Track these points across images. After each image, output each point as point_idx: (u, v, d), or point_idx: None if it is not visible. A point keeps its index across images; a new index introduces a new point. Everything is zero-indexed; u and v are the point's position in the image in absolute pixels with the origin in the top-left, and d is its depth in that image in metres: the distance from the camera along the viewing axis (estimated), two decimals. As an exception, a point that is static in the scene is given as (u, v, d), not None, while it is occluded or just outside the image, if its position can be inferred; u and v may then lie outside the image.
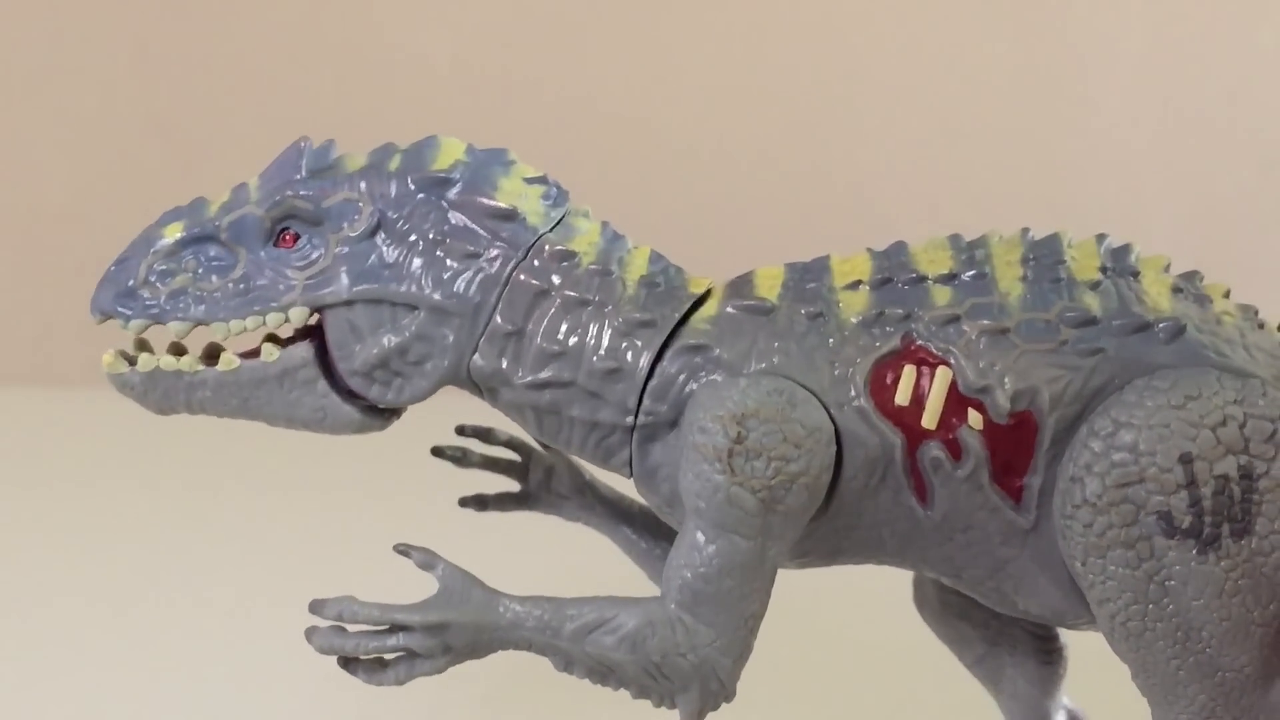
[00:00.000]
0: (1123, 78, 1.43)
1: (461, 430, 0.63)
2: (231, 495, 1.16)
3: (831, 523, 0.53)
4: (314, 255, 0.53)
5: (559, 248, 0.53)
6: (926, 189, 1.42)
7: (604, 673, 0.51)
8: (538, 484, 0.63)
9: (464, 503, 0.63)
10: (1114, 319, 0.51)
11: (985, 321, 0.51)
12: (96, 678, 0.81)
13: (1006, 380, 0.51)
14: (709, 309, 0.53)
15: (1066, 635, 0.61)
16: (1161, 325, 0.51)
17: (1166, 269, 0.55)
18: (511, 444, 0.63)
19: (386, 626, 0.50)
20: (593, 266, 0.53)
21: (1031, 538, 0.52)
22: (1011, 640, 0.61)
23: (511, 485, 0.63)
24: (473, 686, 0.77)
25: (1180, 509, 0.49)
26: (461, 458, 0.62)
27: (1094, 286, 0.52)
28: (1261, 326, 0.54)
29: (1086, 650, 0.59)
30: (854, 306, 0.52)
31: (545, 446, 0.62)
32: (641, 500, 0.57)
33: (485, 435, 0.63)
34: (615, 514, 0.62)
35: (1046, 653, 0.61)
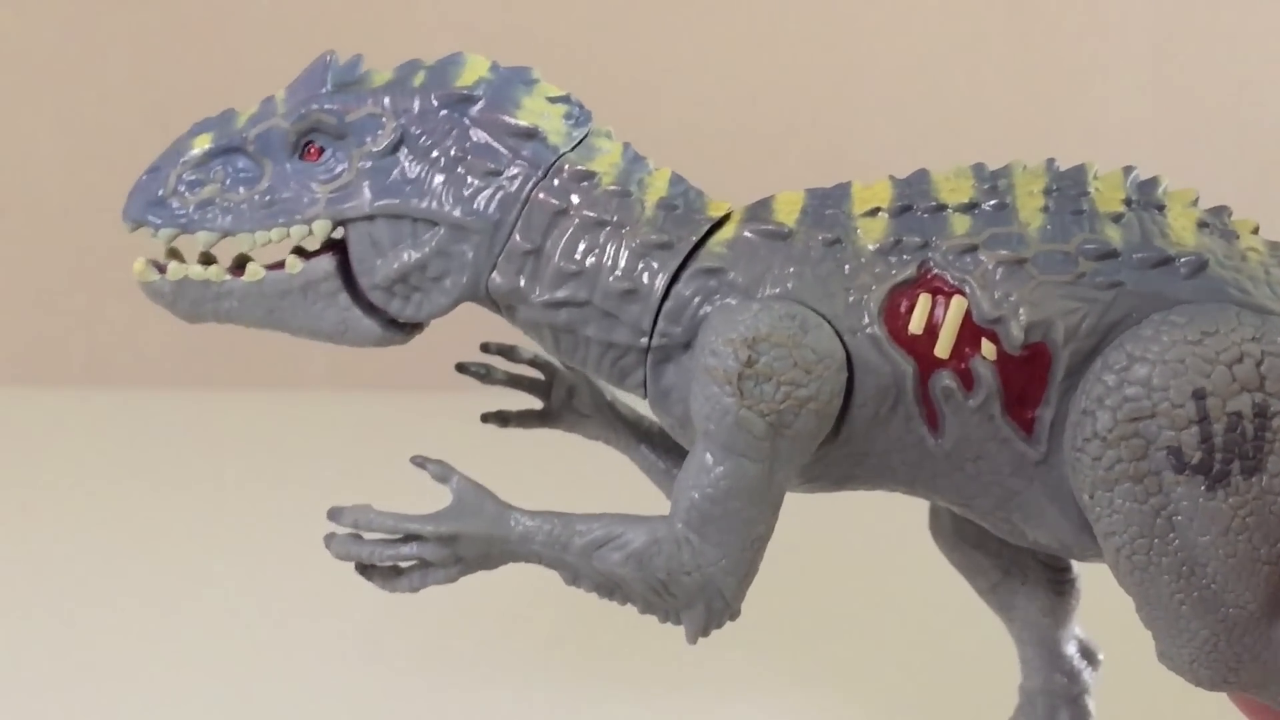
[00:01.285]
0: (1123, 76, 1.41)
1: (486, 347, 0.64)
2: (231, 496, 1.15)
3: (842, 449, 0.53)
4: (338, 169, 0.53)
5: (579, 168, 0.54)
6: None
7: (610, 588, 0.52)
8: (560, 402, 0.64)
9: (486, 418, 0.64)
10: (1134, 252, 0.51)
11: (1003, 252, 0.51)
12: (96, 678, 0.82)
13: (1021, 311, 0.50)
14: (726, 232, 0.53)
15: (1079, 567, 0.62)
16: (1183, 260, 0.51)
17: (1195, 203, 0.54)
18: (535, 362, 0.64)
19: (401, 536, 0.52)
20: (612, 187, 0.54)
21: (1042, 470, 0.52)
22: (1024, 570, 0.61)
23: (534, 402, 0.64)
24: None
25: (1191, 445, 0.49)
26: (486, 374, 0.63)
27: (1116, 219, 0.52)
28: None
29: (1100, 583, 0.60)
30: (872, 233, 0.52)
31: (567, 366, 0.63)
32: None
33: (509, 353, 0.64)
34: (635, 433, 0.63)
35: (1059, 584, 0.62)
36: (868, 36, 1.44)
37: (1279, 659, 0.51)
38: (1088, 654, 0.64)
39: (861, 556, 0.90)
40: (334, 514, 0.52)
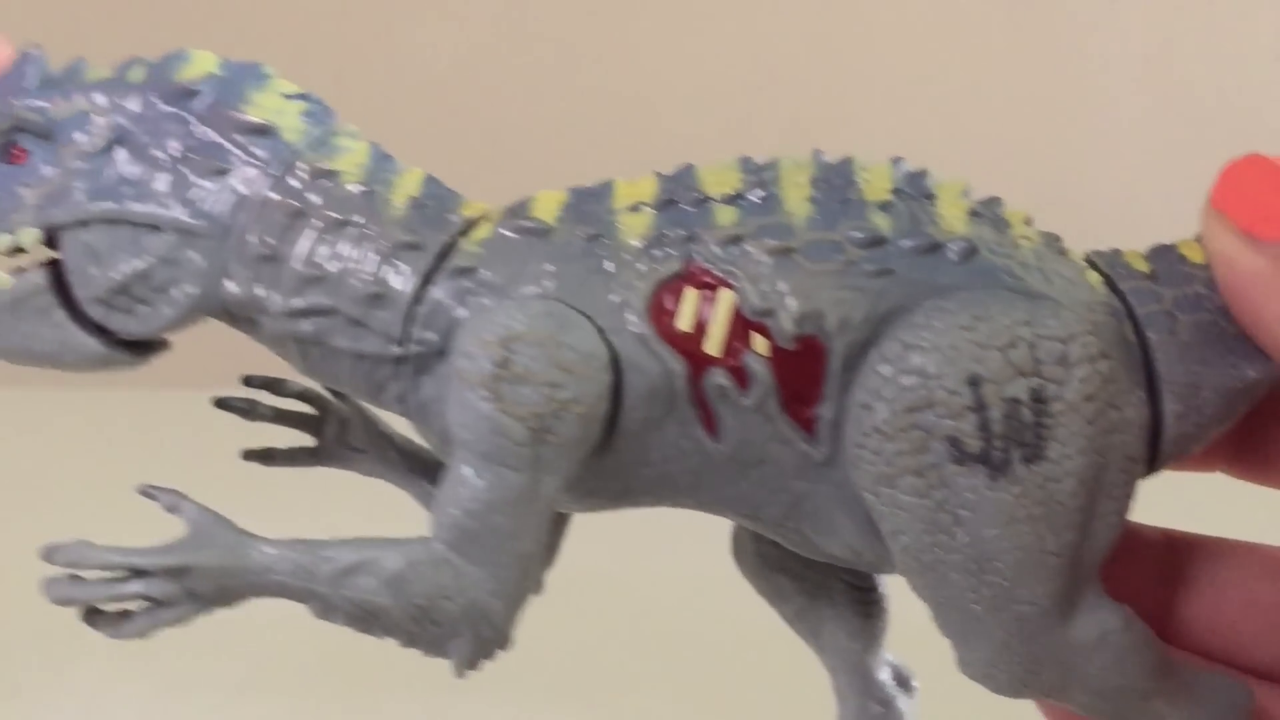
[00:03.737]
0: (1123, 73, 1.43)
1: (249, 381, 0.59)
2: (230, 496, 1.12)
3: (616, 458, 0.50)
4: (46, 172, 0.49)
5: (319, 165, 0.50)
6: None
7: (366, 619, 0.47)
8: (332, 437, 0.59)
9: (249, 456, 0.59)
10: (903, 239, 0.49)
11: (770, 241, 0.49)
12: (94, 678, 0.78)
13: (791, 302, 0.48)
14: (482, 231, 0.50)
15: (886, 587, 0.59)
16: (953, 246, 0.49)
17: (965, 194, 0.52)
18: (304, 395, 0.59)
19: (124, 573, 0.47)
20: (356, 186, 0.50)
21: (826, 471, 0.49)
22: (830, 593, 0.59)
23: (305, 439, 0.60)
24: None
25: (968, 432, 0.47)
26: (249, 410, 0.59)
27: (884, 207, 0.50)
28: (1063, 254, 0.52)
29: (910, 605, 0.57)
30: (635, 228, 0.50)
31: (338, 396, 0.59)
32: None
33: (274, 386, 0.59)
34: (412, 467, 0.59)
35: (865, 604, 0.59)
36: (867, 35, 1.43)
37: (1077, 661, 0.48)
38: (901, 680, 0.61)
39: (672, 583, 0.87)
40: (48, 553, 0.47)
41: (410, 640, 0.48)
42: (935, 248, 0.49)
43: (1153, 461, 0.51)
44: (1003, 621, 0.48)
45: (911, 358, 0.47)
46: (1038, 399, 0.47)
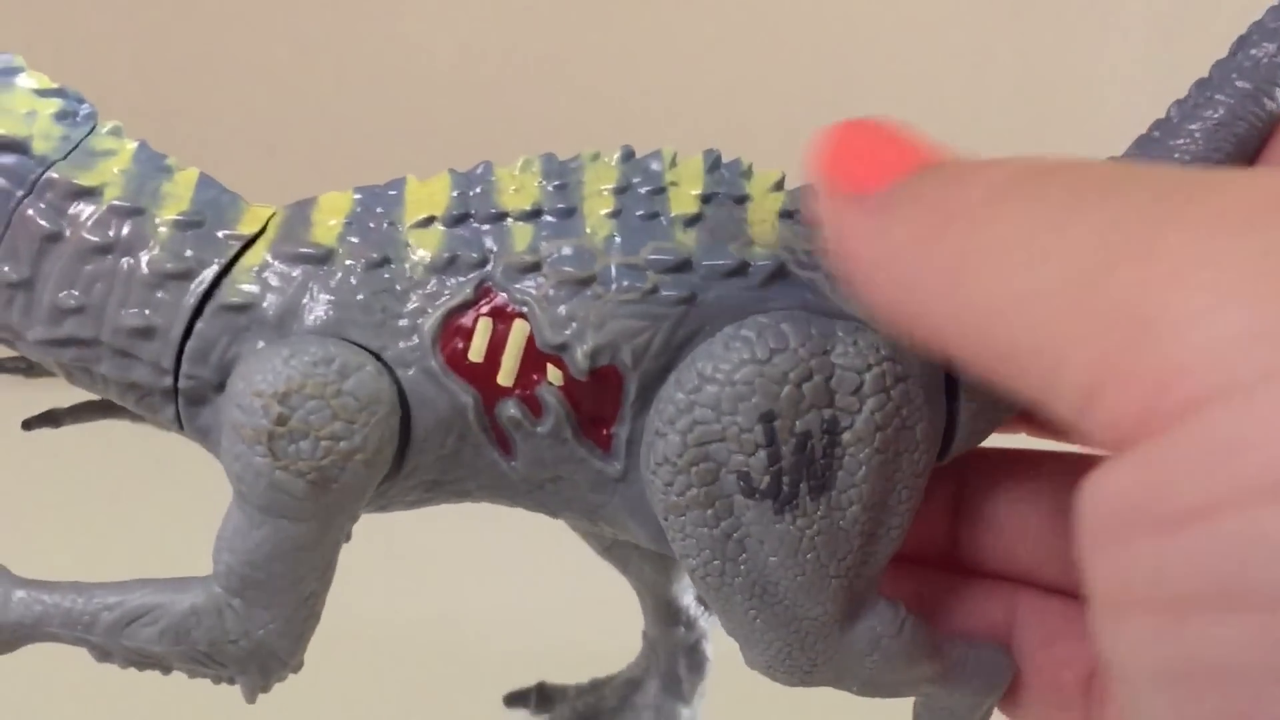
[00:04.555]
0: (1124, 71, 1.37)
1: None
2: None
3: (409, 481, 0.49)
4: None
5: (74, 181, 0.45)
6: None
7: (147, 663, 0.47)
8: None
9: (29, 425, 0.56)
10: (707, 260, 0.47)
11: (567, 269, 0.46)
12: (94, 678, 0.74)
13: (587, 336, 0.46)
14: (256, 254, 0.47)
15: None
16: (757, 266, 0.48)
17: (780, 184, 0.50)
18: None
19: None
20: (118, 203, 0.46)
21: (621, 486, 0.49)
22: None
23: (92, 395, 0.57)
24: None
25: (759, 469, 0.47)
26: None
27: (691, 222, 0.48)
28: None
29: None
30: (424, 249, 0.47)
31: None
32: None
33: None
34: None
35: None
36: (864, 44, 1.35)
37: (852, 662, 0.51)
38: (704, 602, 0.63)
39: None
40: None
41: (195, 674, 0.48)
42: (740, 270, 0.48)
43: (943, 454, 0.53)
44: (782, 635, 0.50)
45: (707, 390, 0.47)
46: (830, 430, 0.47)
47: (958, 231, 0.37)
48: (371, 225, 0.47)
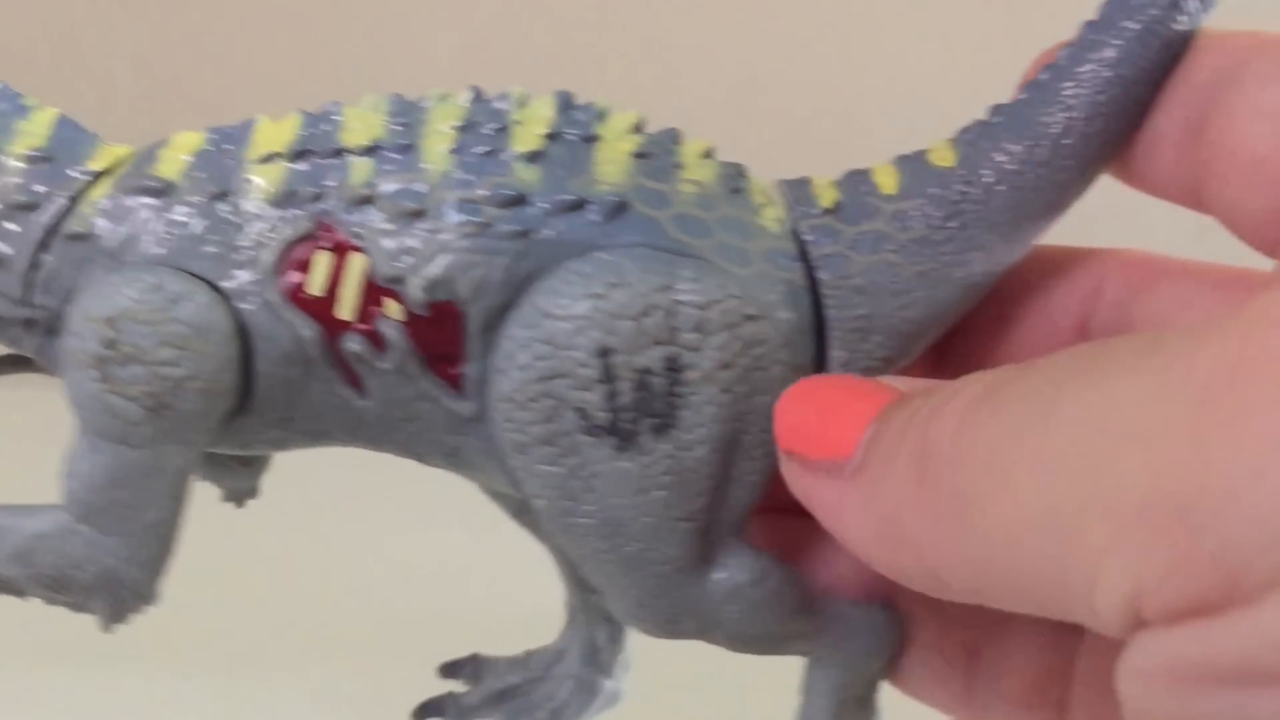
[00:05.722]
0: None
1: None
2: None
3: (261, 417, 0.49)
4: None
5: None
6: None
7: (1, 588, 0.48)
8: None
9: None
10: (546, 196, 0.47)
11: (402, 203, 0.47)
12: (94, 681, 0.79)
13: (421, 269, 0.46)
14: (101, 188, 0.48)
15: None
16: (599, 202, 0.47)
17: (637, 129, 0.50)
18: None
19: None
20: None
21: (476, 426, 0.49)
22: None
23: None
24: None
25: (596, 405, 0.46)
26: None
27: (533, 158, 0.48)
28: (739, 191, 0.50)
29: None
30: (265, 183, 0.48)
31: None
32: None
33: None
34: None
35: None
36: (864, 45, 1.37)
37: (711, 611, 0.50)
38: None
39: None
40: None
41: (49, 602, 0.49)
42: (579, 205, 0.47)
43: None
44: (637, 580, 0.49)
45: (545, 325, 0.46)
46: (672, 367, 0.47)
47: (938, 473, 0.35)
48: (216, 161, 0.48)
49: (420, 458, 0.51)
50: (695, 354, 0.46)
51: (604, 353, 0.46)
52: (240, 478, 0.59)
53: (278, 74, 1.39)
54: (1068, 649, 0.52)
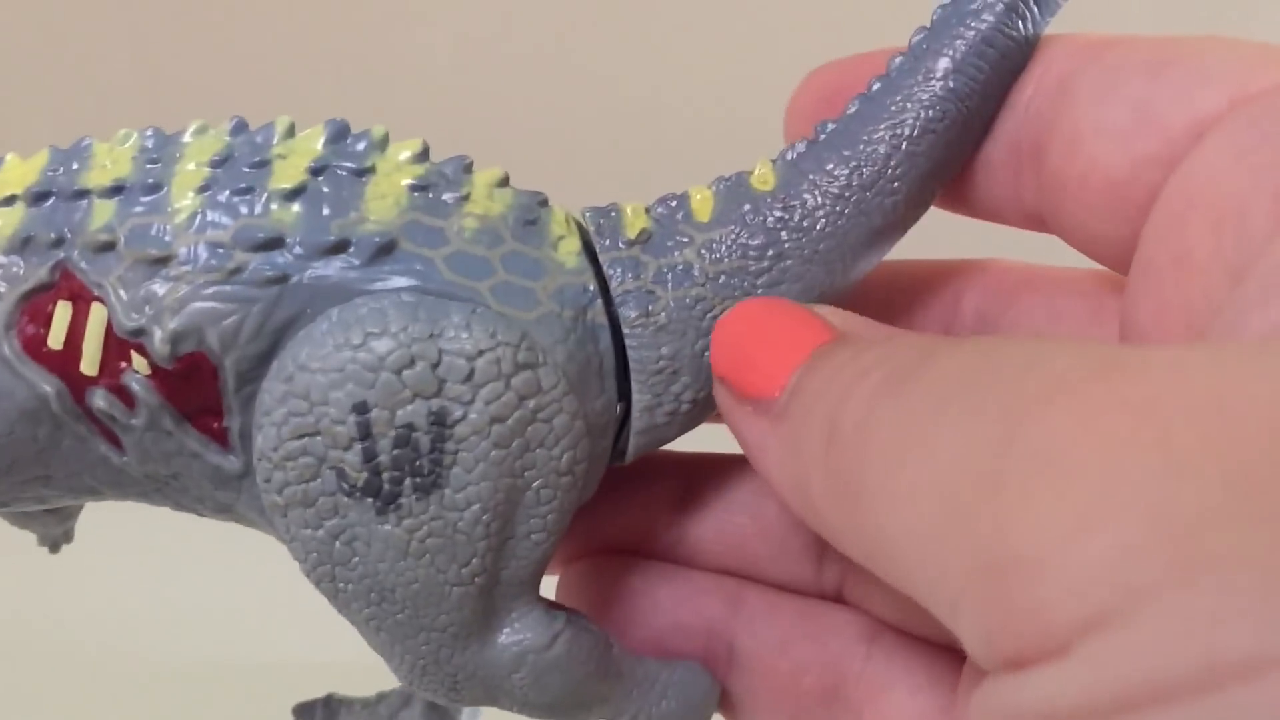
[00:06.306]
0: None
1: None
2: None
3: (14, 477, 0.46)
4: None
5: None
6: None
7: None
8: None
9: None
10: (305, 237, 0.43)
11: (144, 250, 0.43)
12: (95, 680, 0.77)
13: (165, 319, 0.43)
14: None
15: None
16: (362, 242, 0.44)
17: (420, 157, 0.46)
18: None
19: None
20: None
21: (246, 482, 0.45)
22: None
23: None
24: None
25: (354, 465, 0.43)
26: None
27: (293, 195, 0.44)
28: (533, 223, 0.46)
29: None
30: (3, 230, 0.44)
31: None
32: None
33: None
34: None
35: None
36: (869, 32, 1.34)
37: (497, 679, 0.46)
38: None
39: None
40: None
41: None
42: (341, 246, 0.43)
43: (623, 454, 0.48)
44: (411, 648, 0.45)
45: (300, 379, 0.43)
46: (438, 423, 0.43)
47: (840, 454, 0.37)
48: None
49: (196, 512, 0.48)
50: (465, 407, 0.43)
51: (360, 408, 0.42)
52: (50, 524, 0.56)
53: (277, 71, 1.37)
54: (949, 688, 0.49)
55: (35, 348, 0.44)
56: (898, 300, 0.52)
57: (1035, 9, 0.46)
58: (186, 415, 0.44)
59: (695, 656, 0.50)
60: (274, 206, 0.44)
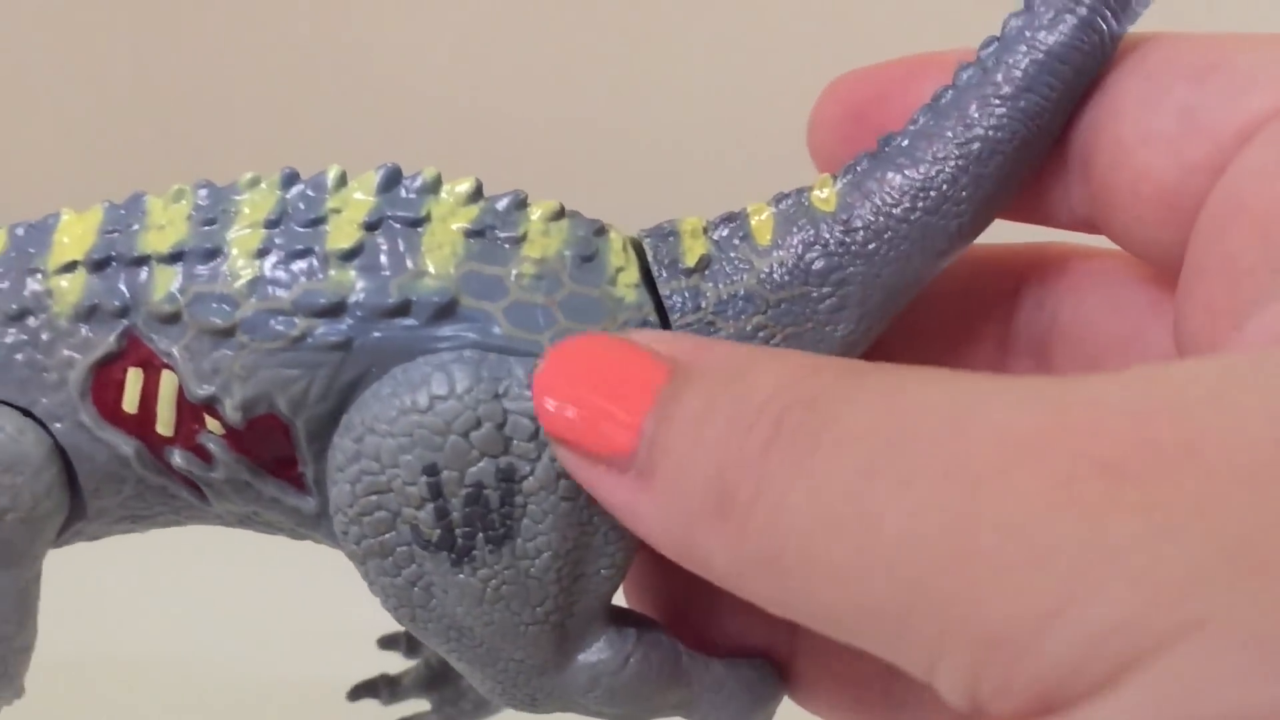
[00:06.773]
0: None
1: None
2: None
3: (102, 520, 0.48)
4: None
5: None
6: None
7: None
8: None
9: None
10: (366, 299, 0.43)
11: (209, 320, 0.44)
12: (94, 683, 0.81)
13: (234, 388, 0.44)
14: None
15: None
16: (423, 302, 0.44)
17: (472, 198, 0.45)
18: None
19: None
20: None
21: (324, 521, 0.47)
22: None
23: None
24: None
25: (428, 523, 0.44)
26: None
27: (350, 256, 0.44)
28: (591, 258, 0.46)
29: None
30: (68, 298, 0.45)
31: None
32: None
33: None
34: None
35: None
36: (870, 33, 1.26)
37: (573, 697, 0.49)
38: None
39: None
40: None
41: None
42: (401, 309, 0.44)
43: None
44: (490, 674, 0.48)
45: (369, 441, 0.44)
46: (506, 479, 0.44)
47: (744, 522, 0.34)
48: (16, 273, 0.45)
49: (276, 534, 0.50)
50: (531, 463, 0.44)
51: (432, 470, 0.44)
52: None
53: (276, 76, 1.33)
54: None
55: (112, 412, 0.45)
56: (953, 290, 0.51)
57: (1113, 21, 0.44)
58: (263, 466, 0.46)
59: (762, 644, 0.52)
60: (332, 272, 0.44)
